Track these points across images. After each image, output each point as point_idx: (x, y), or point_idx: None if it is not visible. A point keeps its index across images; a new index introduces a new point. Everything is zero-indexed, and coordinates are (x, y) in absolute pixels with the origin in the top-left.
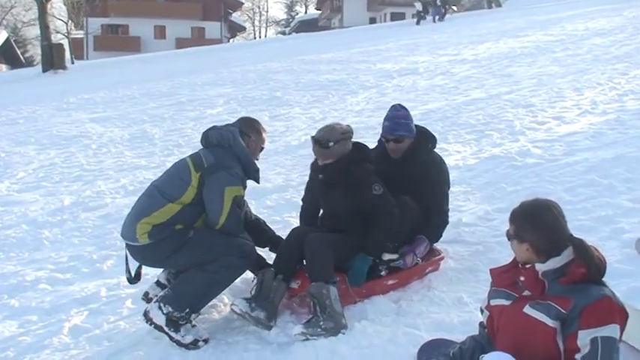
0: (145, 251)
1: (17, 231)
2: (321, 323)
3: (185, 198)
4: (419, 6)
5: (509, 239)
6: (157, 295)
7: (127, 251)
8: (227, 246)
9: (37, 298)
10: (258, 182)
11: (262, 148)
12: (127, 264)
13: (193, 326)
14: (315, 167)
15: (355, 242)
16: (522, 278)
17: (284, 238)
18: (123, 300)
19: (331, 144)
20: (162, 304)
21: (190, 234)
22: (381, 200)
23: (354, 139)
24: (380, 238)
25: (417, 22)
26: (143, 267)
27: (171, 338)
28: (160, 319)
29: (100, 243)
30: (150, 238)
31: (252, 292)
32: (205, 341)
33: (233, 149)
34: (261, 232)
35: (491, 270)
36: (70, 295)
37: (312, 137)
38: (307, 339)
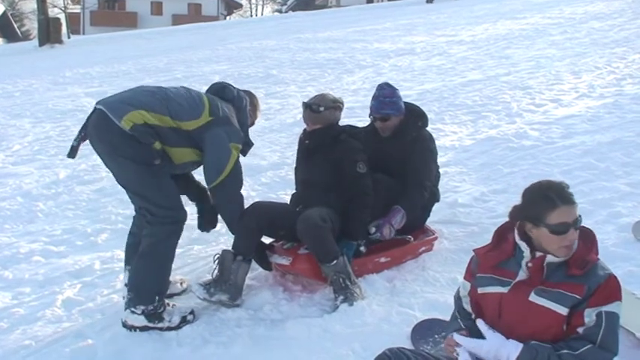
0: (111, 135)
1: (12, 203)
2: (355, 292)
3: (184, 124)
4: None
5: (576, 226)
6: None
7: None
8: (161, 202)
9: (30, 270)
10: (244, 155)
11: (253, 124)
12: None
13: (173, 306)
14: (303, 134)
15: (338, 216)
16: (530, 265)
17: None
18: (116, 273)
19: (322, 109)
20: (133, 308)
21: (156, 162)
22: (361, 179)
23: (350, 121)
24: (360, 219)
25: (429, 0)
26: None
27: (161, 329)
28: (140, 321)
29: (94, 217)
30: (130, 129)
31: (214, 275)
32: (192, 313)
33: (241, 113)
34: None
35: (475, 250)
36: (63, 267)
37: (304, 102)
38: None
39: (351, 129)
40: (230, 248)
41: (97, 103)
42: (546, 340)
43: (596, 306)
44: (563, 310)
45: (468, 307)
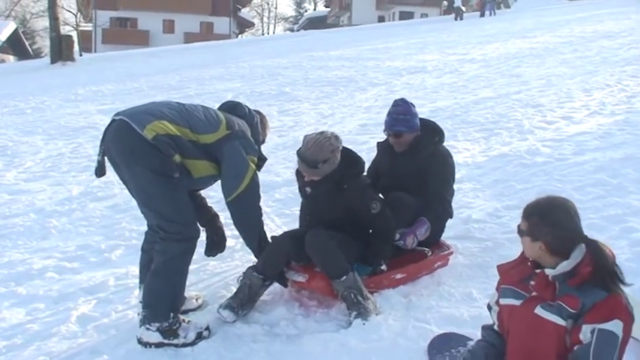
0: (133, 145)
1: (25, 219)
2: (368, 307)
3: (203, 137)
4: (458, 2)
5: (520, 235)
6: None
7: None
8: (175, 218)
9: (44, 287)
10: (259, 170)
11: (263, 142)
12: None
13: (188, 322)
14: (301, 178)
15: (354, 240)
16: (533, 283)
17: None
18: (131, 289)
19: (320, 165)
20: (148, 325)
21: (176, 175)
22: (379, 218)
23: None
24: (379, 250)
25: (456, 18)
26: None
27: (177, 346)
28: (156, 337)
29: (108, 233)
30: (153, 139)
31: (237, 294)
32: (208, 329)
33: (253, 129)
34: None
35: (498, 266)
36: (77, 283)
37: (298, 154)
38: (364, 324)
39: (352, 169)
40: (254, 269)
41: (115, 115)
42: (550, 352)
43: (592, 323)
44: (562, 322)
45: (494, 315)
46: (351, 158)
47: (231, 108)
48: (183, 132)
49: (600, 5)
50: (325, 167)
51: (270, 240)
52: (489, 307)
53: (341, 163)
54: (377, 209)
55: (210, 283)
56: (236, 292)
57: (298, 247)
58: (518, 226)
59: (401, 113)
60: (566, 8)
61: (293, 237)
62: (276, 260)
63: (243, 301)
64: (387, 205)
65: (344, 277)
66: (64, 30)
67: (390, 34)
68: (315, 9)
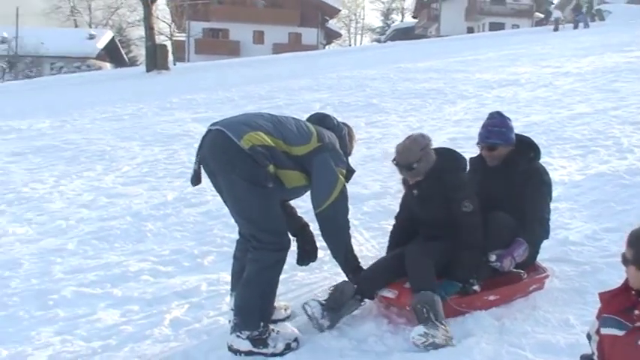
0: (229, 154)
1: (121, 222)
2: (439, 327)
3: (295, 149)
4: (557, 14)
5: (625, 264)
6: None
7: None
8: (268, 227)
9: (139, 289)
10: (347, 181)
11: (350, 154)
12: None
13: (277, 332)
14: (407, 183)
15: (452, 249)
16: (637, 312)
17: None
18: (222, 295)
19: (415, 165)
20: (238, 333)
21: (270, 184)
22: (468, 218)
23: (452, 147)
24: (466, 263)
25: (555, 29)
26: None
27: (266, 355)
28: (245, 345)
29: (200, 238)
30: (250, 149)
31: (327, 298)
32: (296, 341)
33: (342, 141)
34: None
35: (600, 294)
36: (171, 287)
37: (394, 163)
38: (426, 342)
39: (450, 163)
40: (349, 280)
41: (211, 125)
42: None
43: None
44: None
45: (593, 345)
46: (450, 154)
47: (321, 120)
48: (277, 143)
49: None
50: (421, 166)
51: (355, 253)
52: (589, 337)
53: (439, 158)
54: (469, 209)
55: (298, 293)
56: (327, 298)
57: (399, 268)
58: (623, 254)
59: (496, 125)
60: None
61: (395, 258)
62: (370, 282)
63: (331, 307)
64: (484, 224)
65: (422, 292)
66: (159, 39)
67: (479, 45)
68: (402, 20)
